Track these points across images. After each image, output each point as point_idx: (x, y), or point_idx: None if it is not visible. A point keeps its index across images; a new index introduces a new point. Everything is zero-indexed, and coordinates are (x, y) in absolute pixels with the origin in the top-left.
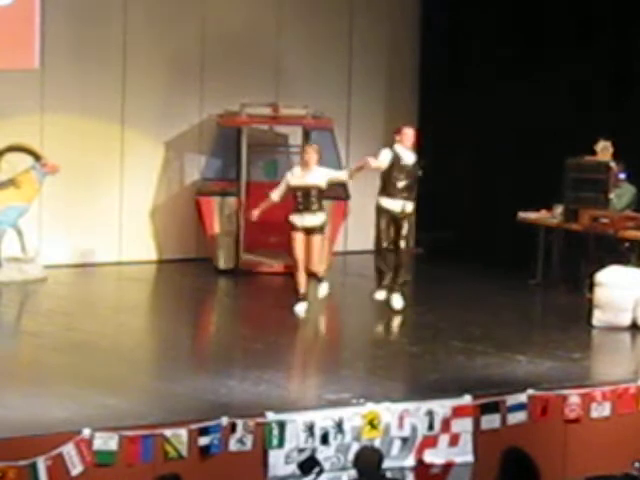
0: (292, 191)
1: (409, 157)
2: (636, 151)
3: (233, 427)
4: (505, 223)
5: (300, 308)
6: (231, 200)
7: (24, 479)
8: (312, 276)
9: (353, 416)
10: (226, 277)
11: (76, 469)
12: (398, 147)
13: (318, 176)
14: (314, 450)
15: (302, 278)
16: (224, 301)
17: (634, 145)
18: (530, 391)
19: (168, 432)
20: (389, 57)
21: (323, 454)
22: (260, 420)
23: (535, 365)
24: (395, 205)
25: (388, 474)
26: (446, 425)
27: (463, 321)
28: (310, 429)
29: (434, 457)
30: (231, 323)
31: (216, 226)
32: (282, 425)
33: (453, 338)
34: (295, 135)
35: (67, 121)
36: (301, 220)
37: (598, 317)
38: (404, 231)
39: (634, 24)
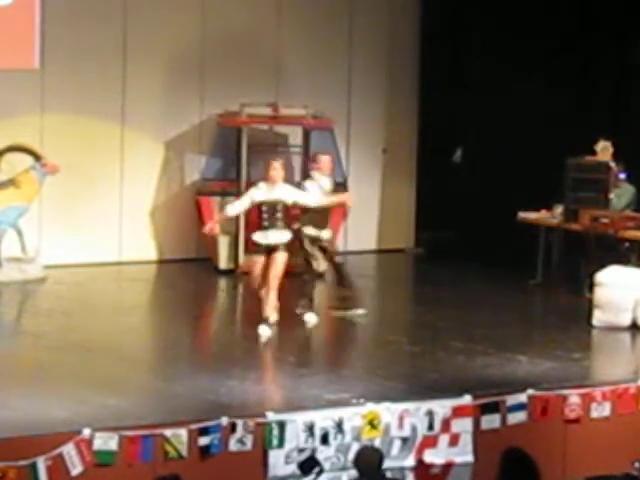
0: (257, 207)
1: (327, 185)
2: (636, 151)
3: (233, 427)
4: (505, 223)
5: (262, 330)
6: (231, 200)
7: (24, 479)
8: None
9: (353, 416)
10: (226, 277)
11: (76, 469)
12: (317, 175)
13: (285, 192)
14: (314, 450)
15: (266, 301)
16: (224, 301)
17: (634, 145)
18: (530, 391)
19: (168, 432)
20: (389, 57)
21: (323, 454)
22: (260, 420)
23: (535, 365)
24: (314, 232)
25: (388, 474)
26: (446, 425)
27: (463, 321)
28: (310, 429)
29: (434, 457)
30: (231, 323)
31: (216, 226)
32: (282, 425)
33: (453, 338)
34: (295, 135)
35: (67, 121)
36: (265, 238)
37: (598, 317)
38: (332, 250)
39: (635, 24)
